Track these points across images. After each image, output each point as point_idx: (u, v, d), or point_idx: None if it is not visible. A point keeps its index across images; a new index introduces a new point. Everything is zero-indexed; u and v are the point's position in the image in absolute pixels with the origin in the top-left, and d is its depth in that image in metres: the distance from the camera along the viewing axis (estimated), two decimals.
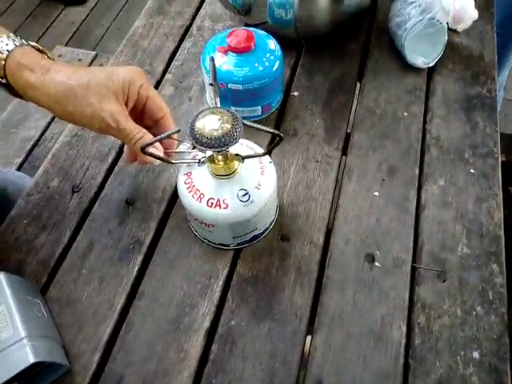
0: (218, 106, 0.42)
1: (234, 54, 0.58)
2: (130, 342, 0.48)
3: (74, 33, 2.01)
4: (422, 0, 0.66)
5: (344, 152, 0.62)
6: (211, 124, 0.39)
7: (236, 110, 0.63)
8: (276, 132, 0.39)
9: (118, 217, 0.56)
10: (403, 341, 0.48)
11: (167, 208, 0.57)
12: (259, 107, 0.63)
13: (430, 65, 0.69)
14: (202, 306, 0.50)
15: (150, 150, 0.42)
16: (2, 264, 0.53)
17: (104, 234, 0.55)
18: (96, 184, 0.59)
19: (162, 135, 0.39)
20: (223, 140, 0.39)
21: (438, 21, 0.66)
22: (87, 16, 2.08)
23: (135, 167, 0.60)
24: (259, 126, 0.39)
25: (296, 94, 0.68)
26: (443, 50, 0.68)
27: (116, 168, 0.61)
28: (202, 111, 0.40)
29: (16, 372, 0.39)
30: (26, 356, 0.40)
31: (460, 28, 0.68)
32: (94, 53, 1.27)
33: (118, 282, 0.51)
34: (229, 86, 0.58)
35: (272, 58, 0.59)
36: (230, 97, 0.60)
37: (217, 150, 0.39)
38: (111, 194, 0.58)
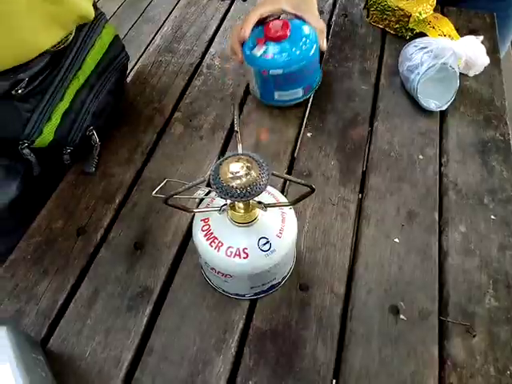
0: (240, 152, 0.40)
1: (273, 43, 0.62)
2: None
3: None
4: (435, 46, 0.67)
5: (361, 195, 0.61)
6: (235, 172, 0.37)
7: (279, 95, 0.67)
8: (308, 184, 0.36)
9: (125, 262, 0.53)
10: None
11: (178, 253, 0.54)
12: (300, 89, 0.67)
13: (443, 108, 0.69)
14: (217, 364, 0.46)
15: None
16: None
17: (111, 281, 0.51)
18: (102, 226, 0.56)
19: (186, 185, 0.37)
20: (248, 190, 0.36)
21: (450, 66, 0.66)
22: None
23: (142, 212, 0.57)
24: (289, 176, 0.37)
25: (309, 134, 0.67)
26: (455, 94, 0.69)
27: (124, 209, 0.58)
28: (226, 158, 0.38)
29: None
30: None
31: (471, 73, 0.68)
32: None
33: (125, 335, 0.47)
34: (270, 72, 0.62)
35: (308, 41, 0.63)
36: (273, 82, 0.64)
37: (241, 200, 0.37)
38: (118, 238, 0.55)
